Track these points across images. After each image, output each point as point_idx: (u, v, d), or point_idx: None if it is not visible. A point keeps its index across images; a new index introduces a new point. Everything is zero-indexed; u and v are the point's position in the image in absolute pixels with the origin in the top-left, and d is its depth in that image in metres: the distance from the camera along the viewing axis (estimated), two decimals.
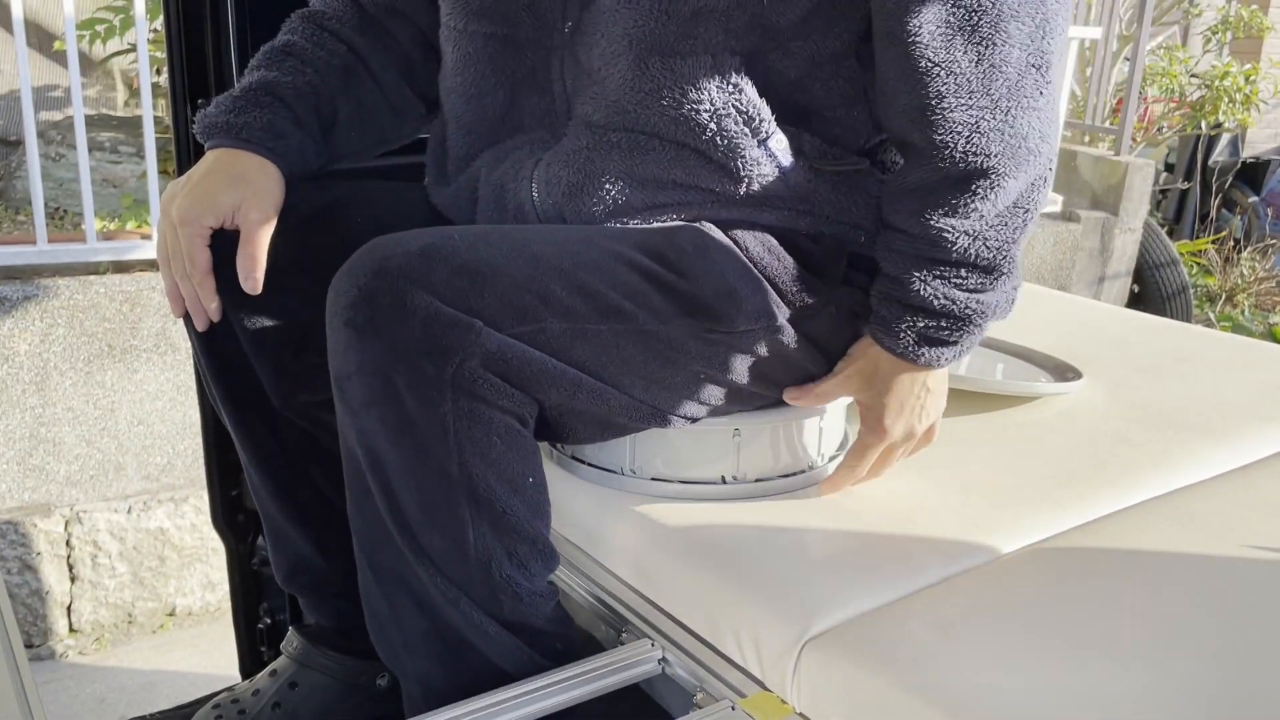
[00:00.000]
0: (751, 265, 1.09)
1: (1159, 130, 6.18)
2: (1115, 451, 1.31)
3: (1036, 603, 1.01)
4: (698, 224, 1.10)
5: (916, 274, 1.06)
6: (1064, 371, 1.52)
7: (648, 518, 1.15)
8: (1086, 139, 5.26)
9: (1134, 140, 5.31)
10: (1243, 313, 5.44)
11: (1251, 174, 6.73)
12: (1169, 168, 6.51)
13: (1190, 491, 1.24)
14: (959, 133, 1.00)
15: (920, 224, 1.05)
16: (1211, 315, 5.31)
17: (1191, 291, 5.06)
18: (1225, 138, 6.50)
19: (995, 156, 1.01)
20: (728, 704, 0.99)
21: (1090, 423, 1.39)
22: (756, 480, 1.19)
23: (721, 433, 1.17)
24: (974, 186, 1.02)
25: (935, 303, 1.06)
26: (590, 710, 1.05)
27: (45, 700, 1.02)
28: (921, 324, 1.08)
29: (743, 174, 1.08)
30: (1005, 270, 1.07)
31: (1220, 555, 1.08)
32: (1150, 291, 4.93)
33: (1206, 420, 1.40)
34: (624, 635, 1.11)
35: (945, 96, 0.99)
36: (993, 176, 1.01)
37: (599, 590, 1.17)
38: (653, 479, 1.20)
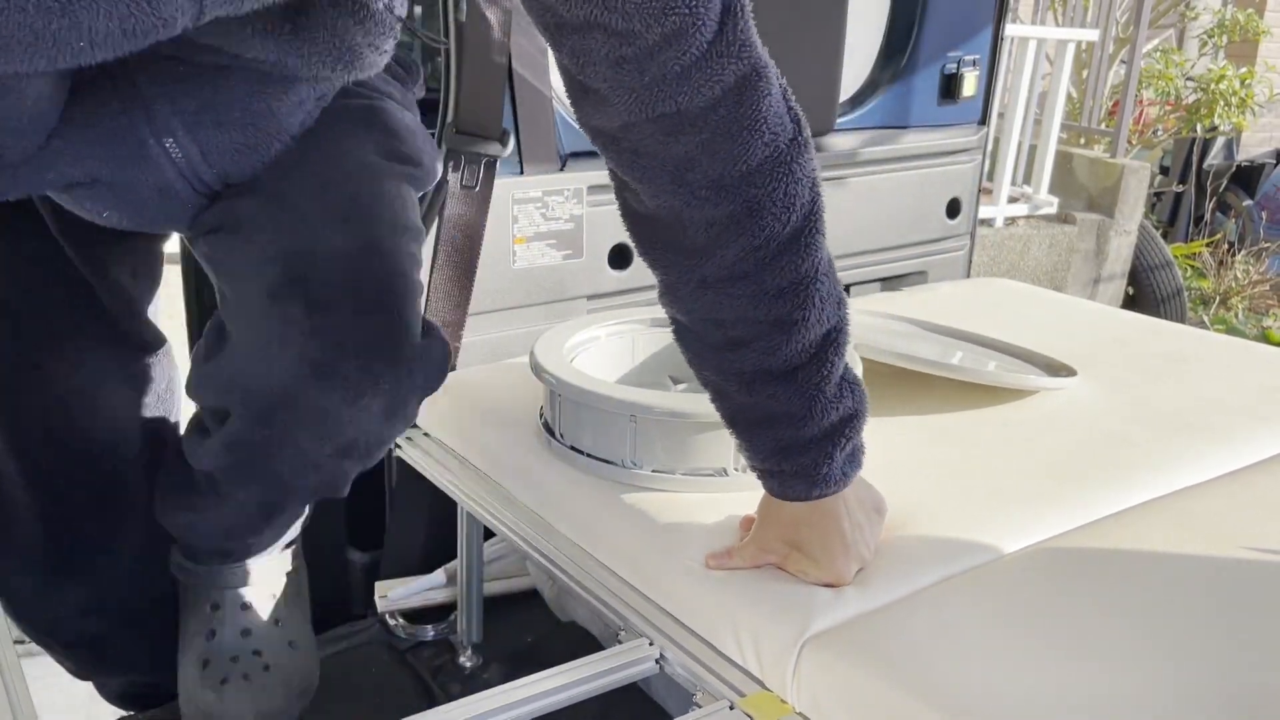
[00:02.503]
0: None
1: (1154, 133, 6.19)
2: (1114, 452, 1.31)
3: (1036, 603, 1.00)
4: None
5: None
6: (1057, 370, 1.52)
7: (646, 514, 1.15)
8: (1082, 141, 5.27)
9: (1130, 143, 5.32)
10: (1237, 316, 5.45)
11: (1246, 177, 6.74)
12: (1164, 170, 6.53)
13: (1190, 493, 1.24)
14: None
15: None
16: (1206, 318, 5.32)
17: (1186, 294, 5.07)
18: (1220, 141, 6.52)
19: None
20: (726, 703, 0.99)
21: (1089, 423, 1.39)
22: None
23: (722, 424, 1.16)
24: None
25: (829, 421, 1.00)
26: (588, 709, 1.05)
27: (35, 697, 1.01)
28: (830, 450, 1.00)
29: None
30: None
31: (1220, 557, 1.08)
32: (1145, 294, 4.94)
33: (1205, 421, 1.40)
34: (622, 634, 1.11)
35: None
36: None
37: (597, 588, 1.16)
38: (653, 471, 1.19)
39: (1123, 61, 5.31)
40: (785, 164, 0.95)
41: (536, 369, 1.27)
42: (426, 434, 1.51)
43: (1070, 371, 1.50)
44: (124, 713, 1.48)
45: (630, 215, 1.05)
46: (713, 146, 0.92)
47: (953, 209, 2.22)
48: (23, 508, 1.25)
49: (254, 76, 1.02)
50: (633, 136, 0.94)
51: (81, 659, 1.42)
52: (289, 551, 1.32)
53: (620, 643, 1.09)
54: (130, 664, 1.43)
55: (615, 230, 1.75)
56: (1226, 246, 5.93)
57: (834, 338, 0.99)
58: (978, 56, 2.21)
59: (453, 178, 1.53)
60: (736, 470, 1.18)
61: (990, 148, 2.46)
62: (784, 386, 0.99)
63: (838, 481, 1.02)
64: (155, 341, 1.35)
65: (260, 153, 1.07)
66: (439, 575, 1.63)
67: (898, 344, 1.53)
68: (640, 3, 0.84)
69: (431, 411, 1.50)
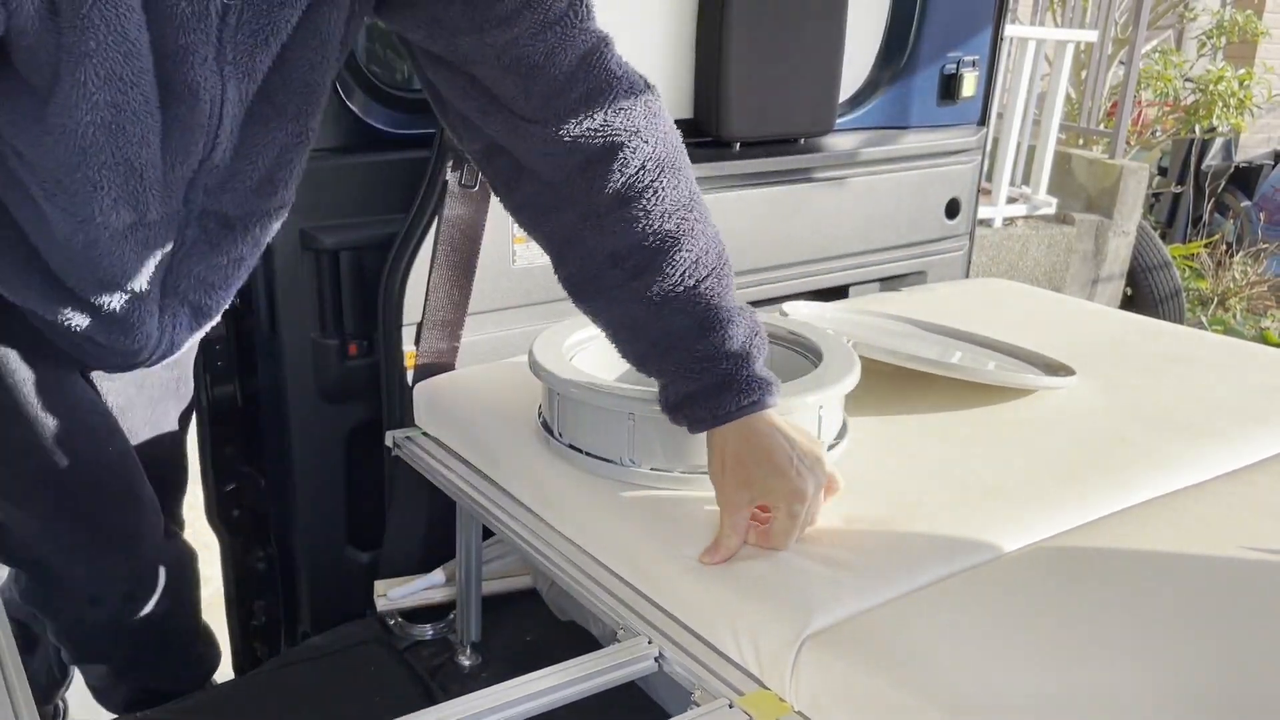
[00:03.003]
0: None
1: (1153, 134, 6.20)
2: (1113, 451, 1.31)
3: (1035, 602, 1.00)
4: None
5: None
6: (1055, 369, 1.52)
7: (645, 512, 1.15)
8: (1081, 142, 5.27)
9: (1128, 143, 5.33)
10: (1235, 317, 5.46)
11: (1244, 178, 6.75)
12: (1162, 171, 6.53)
13: (1189, 493, 1.24)
14: None
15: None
16: (1204, 319, 5.32)
17: (1184, 295, 5.07)
18: (1219, 142, 6.53)
19: None
20: (725, 702, 0.99)
21: (1087, 422, 1.39)
22: None
23: None
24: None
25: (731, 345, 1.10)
26: (587, 708, 1.05)
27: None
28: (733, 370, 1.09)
29: None
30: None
31: (1219, 557, 1.08)
32: (1143, 294, 4.94)
33: (1204, 422, 1.40)
34: (621, 633, 1.11)
35: None
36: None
37: (596, 586, 1.16)
38: (652, 469, 1.19)
39: (1121, 62, 5.32)
40: (648, 102, 1.13)
41: (535, 368, 1.27)
42: (426, 433, 1.51)
43: (1069, 371, 1.50)
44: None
45: (512, 194, 1.20)
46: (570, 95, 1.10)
47: (952, 209, 2.23)
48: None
49: None
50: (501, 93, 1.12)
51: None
52: None
53: (619, 641, 1.09)
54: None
55: None
56: (1225, 247, 5.94)
57: (723, 256, 1.15)
58: (977, 57, 2.21)
59: (452, 177, 1.52)
60: None
61: (989, 148, 2.46)
62: (690, 299, 1.11)
63: (760, 388, 1.09)
64: None
65: None
66: (438, 574, 1.63)
67: (897, 344, 1.53)
68: None
69: (431, 411, 1.51)
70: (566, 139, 1.11)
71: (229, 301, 1.28)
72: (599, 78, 1.11)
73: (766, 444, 1.07)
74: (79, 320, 1.16)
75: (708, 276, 1.12)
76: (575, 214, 1.15)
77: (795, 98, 1.94)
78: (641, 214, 1.11)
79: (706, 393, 1.09)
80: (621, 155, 1.11)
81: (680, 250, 1.11)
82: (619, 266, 1.13)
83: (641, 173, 1.11)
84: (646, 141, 1.12)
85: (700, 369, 1.10)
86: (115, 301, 1.15)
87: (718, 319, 1.11)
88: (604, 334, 1.21)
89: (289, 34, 1.02)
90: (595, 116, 1.10)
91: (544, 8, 1.06)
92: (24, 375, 1.26)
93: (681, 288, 1.11)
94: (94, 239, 1.06)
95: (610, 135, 1.11)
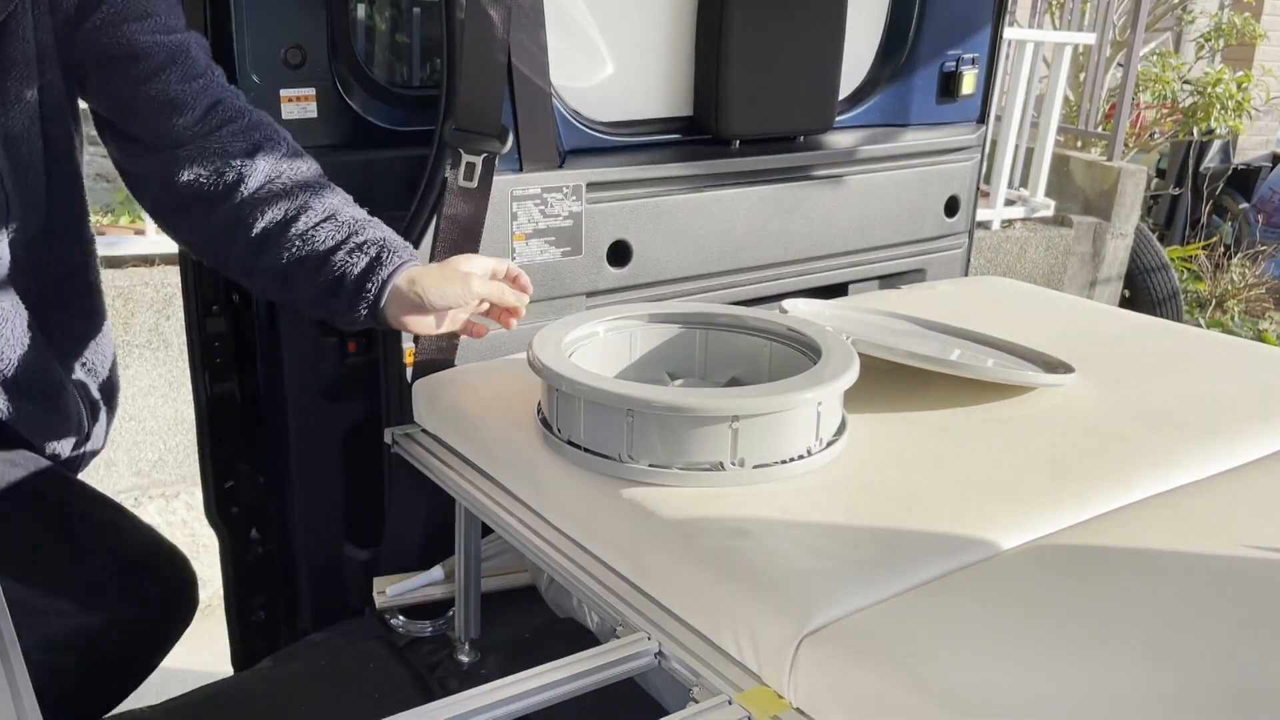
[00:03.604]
0: None
1: (1151, 136, 6.20)
2: (1112, 449, 1.31)
3: (1033, 600, 1.01)
4: None
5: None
6: (1055, 367, 1.52)
7: (643, 509, 1.15)
8: (1079, 144, 5.28)
9: (1126, 146, 5.33)
10: (1232, 318, 5.47)
11: (1242, 180, 6.76)
12: (1160, 173, 6.54)
13: (1187, 490, 1.24)
14: None
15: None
16: (1201, 321, 5.33)
17: (1182, 297, 5.08)
18: (1217, 144, 6.54)
19: None
20: (724, 698, 0.99)
21: (1086, 420, 1.39)
22: (755, 466, 1.19)
23: (719, 419, 1.17)
24: None
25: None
26: (586, 704, 1.05)
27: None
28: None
29: None
30: None
31: (1218, 554, 1.08)
32: (1141, 296, 4.95)
33: (1202, 419, 1.40)
34: (619, 629, 1.11)
35: None
36: None
37: (594, 583, 1.16)
38: (650, 465, 1.19)
39: (1120, 65, 5.32)
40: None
41: (534, 365, 1.27)
42: (425, 430, 1.51)
43: (1068, 369, 1.50)
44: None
45: (154, 200, 1.37)
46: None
47: (951, 207, 2.23)
48: None
49: None
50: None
51: None
52: None
53: (617, 638, 1.09)
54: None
55: (614, 227, 1.76)
56: (1223, 249, 5.95)
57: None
58: (976, 55, 2.21)
59: (451, 175, 1.52)
60: (733, 465, 1.18)
61: (987, 150, 2.46)
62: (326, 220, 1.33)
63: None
64: None
65: None
66: (437, 571, 1.63)
67: (896, 341, 1.53)
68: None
69: (430, 408, 1.50)
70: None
71: None
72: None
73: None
74: None
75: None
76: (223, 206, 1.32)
77: (794, 95, 1.94)
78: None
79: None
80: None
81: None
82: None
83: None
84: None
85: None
86: None
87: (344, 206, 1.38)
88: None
89: None
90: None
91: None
92: None
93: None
94: None
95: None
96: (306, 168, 1.36)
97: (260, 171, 1.32)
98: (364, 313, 1.33)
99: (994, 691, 0.87)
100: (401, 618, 1.62)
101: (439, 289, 1.32)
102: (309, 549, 1.77)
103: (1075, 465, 1.26)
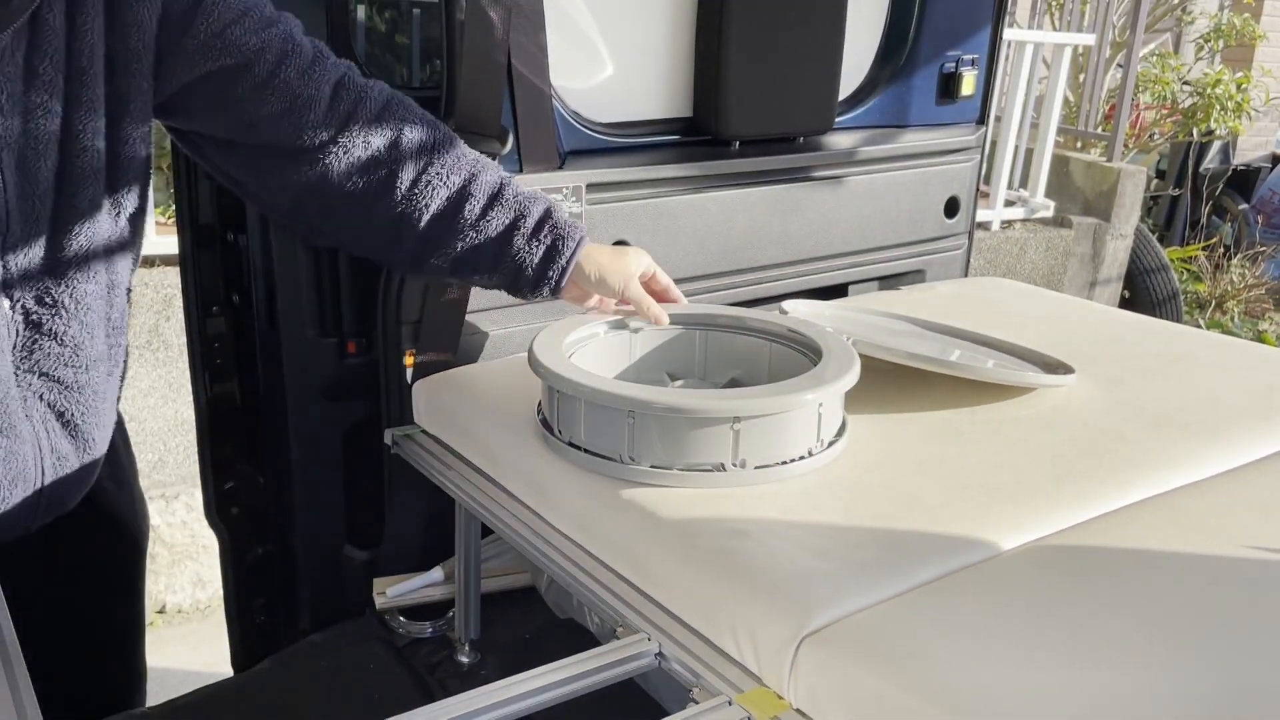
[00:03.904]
0: None
1: (1151, 137, 6.21)
2: (1112, 449, 1.31)
3: (1033, 600, 1.01)
4: None
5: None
6: (1054, 368, 1.52)
7: (643, 509, 1.15)
8: (1079, 145, 5.28)
9: (1126, 146, 5.34)
10: (1232, 319, 5.47)
11: (1242, 181, 6.77)
12: (1160, 174, 6.54)
13: (1187, 491, 1.24)
14: None
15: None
16: (1201, 322, 5.33)
17: (1181, 298, 5.08)
18: (1216, 145, 6.54)
19: None
20: (724, 699, 0.99)
21: (1086, 420, 1.39)
22: (756, 467, 1.19)
23: (720, 420, 1.17)
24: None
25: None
26: (586, 705, 1.05)
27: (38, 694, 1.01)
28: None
29: None
30: None
31: (1218, 555, 1.08)
32: (1141, 297, 4.95)
33: (1202, 420, 1.40)
34: (620, 630, 1.11)
35: None
36: None
37: (595, 584, 1.16)
38: (651, 466, 1.19)
39: (1119, 65, 5.33)
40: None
41: (535, 366, 1.27)
42: (425, 431, 1.51)
43: (1068, 369, 1.50)
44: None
45: (294, 208, 1.32)
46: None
47: (951, 208, 2.23)
48: None
49: None
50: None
51: None
52: None
53: (618, 639, 1.09)
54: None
55: (614, 228, 1.76)
56: (1222, 250, 5.95)
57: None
58: (976, 56, 2.21)
59: None
60: (734, 466, 1.18)
61: (987, 151, 2.47)
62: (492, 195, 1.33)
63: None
64: None
65: None
66: (437, 572, 1.63)
67: (896, 342, 1.53)
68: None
69: (429, 409, 1.51)
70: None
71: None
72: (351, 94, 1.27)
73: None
74: None
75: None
76: (387, 203, 1.29)
77: (794, 96, 1.95)
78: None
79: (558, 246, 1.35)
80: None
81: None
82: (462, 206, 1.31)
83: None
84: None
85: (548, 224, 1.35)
86: None
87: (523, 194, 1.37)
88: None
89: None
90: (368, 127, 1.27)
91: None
92: None
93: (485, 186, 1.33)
94: None
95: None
96: (445, 139, 1.32)
97: (411, 161, 1.27)
98: (545, 296, 1.38)
99: (994, 692, 0.87)
100: (402, 619, 1.62)
101: (602, 279, 1.36)
102: (309, 550, 1.77)
103: (1075, 466, 1.26)
